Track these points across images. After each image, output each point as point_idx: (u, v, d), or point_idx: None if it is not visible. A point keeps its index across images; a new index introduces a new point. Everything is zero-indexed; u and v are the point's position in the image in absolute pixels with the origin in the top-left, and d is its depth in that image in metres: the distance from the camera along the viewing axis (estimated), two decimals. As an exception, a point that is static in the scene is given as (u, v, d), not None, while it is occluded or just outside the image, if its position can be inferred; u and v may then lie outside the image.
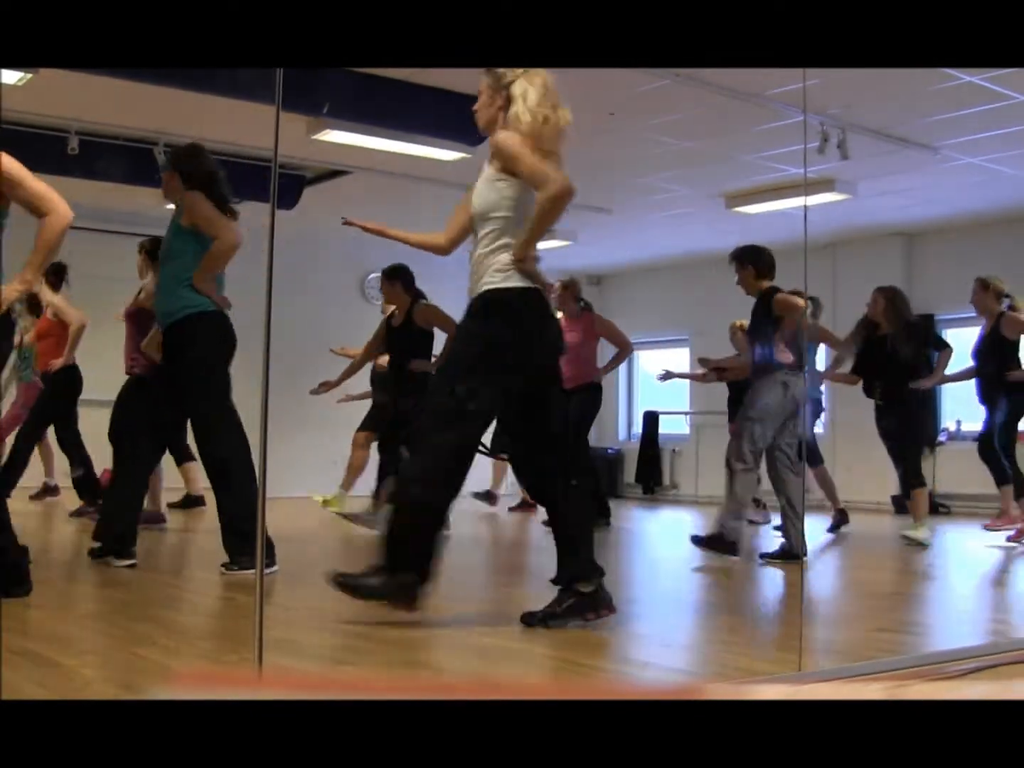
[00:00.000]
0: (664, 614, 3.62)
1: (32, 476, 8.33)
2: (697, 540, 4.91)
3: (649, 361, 12.62)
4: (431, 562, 3.15)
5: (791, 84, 5.68)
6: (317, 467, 7.64)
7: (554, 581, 3.22)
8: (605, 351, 7.56)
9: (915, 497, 6.19)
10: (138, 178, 7.72)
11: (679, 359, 12.11)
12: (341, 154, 7.54)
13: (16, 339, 8.02)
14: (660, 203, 8.74)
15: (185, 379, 4.23)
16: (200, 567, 4.44)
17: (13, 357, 8.20)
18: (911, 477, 6.16)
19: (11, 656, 2.24)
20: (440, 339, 6.88)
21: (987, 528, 6.93)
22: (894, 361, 6.14)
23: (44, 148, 6.89)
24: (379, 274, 11.42)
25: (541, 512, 7.43)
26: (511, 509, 8.61)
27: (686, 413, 11.42)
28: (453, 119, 6.54)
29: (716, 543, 4.84)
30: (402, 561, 3.08)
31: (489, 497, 8.38)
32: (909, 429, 6.27)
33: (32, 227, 3.30)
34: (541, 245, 10.17)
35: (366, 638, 2.78)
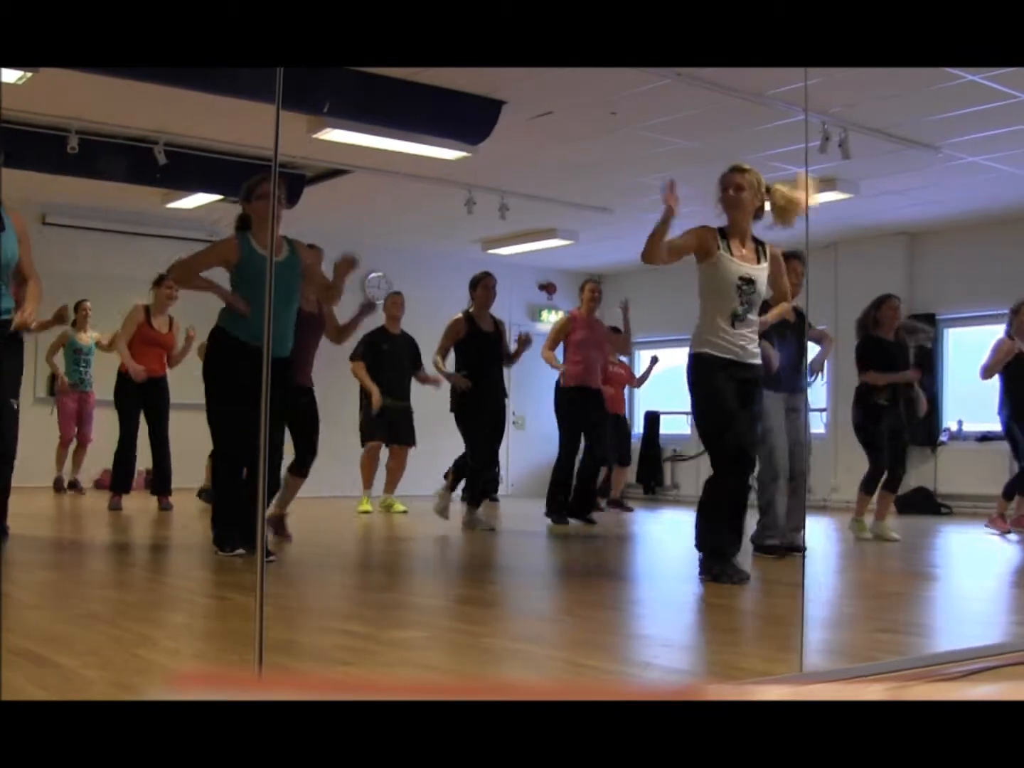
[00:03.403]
0: (665, 614, 3.62)
1: (41, 474, 8.36)
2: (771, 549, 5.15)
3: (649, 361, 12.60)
4: None
5: (792, 83, 5.68)
6: (317, 466, 7.64)
7: None
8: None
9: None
10: (138, 178, 7.70)
11: (679, 359, 12.09)
12: (341, 153, 7.53)
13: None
14: (660, 202, 8.73)
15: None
16: (201, 567, 4.44)
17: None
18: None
19: (11, 656, 2.24)
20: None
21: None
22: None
23: (44, 148, 6.88)
24: (379, 274, 11.43)
25: (533, 509, 7.44)
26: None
27: (687, 413, 11.41)
28: (454, 118, 6.54)
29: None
30: None
31: None
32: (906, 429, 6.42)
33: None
34: (540, 244, 10.21)
35: (366, 638, 2.78)
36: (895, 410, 6.25)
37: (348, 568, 4.88)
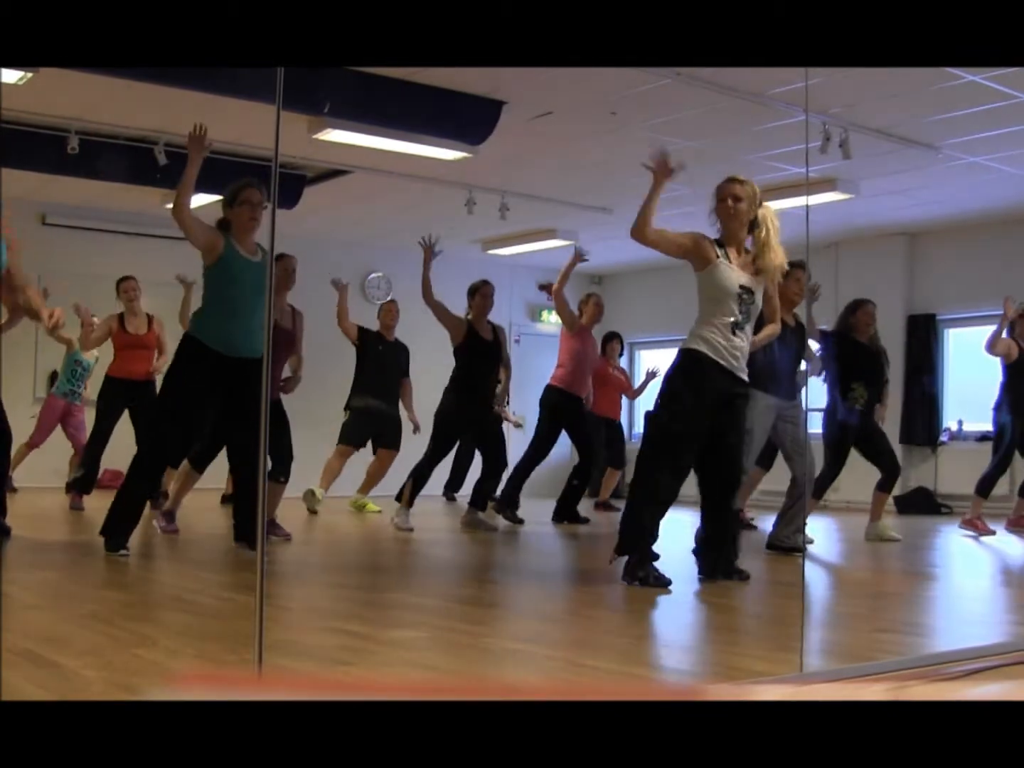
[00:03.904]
0: (666, 615, 3.62)
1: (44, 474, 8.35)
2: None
3: (650, 361, 12.61)
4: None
5: (793, 83, 5.68)
6: (315, 466, 7.64)
7: None
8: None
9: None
10: (138, 178, 7.70)
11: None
12: (342, 154, 7.53)
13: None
14: (661, 203, 8.70)
15: None
16: (200, 567, 4.44)
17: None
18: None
19: (11, 656, 2.24)
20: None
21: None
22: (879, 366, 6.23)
23: (44, 148, 6.88)
24: (379, 274, 11.44)
25: (539, 510, 7.44)
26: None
27: (687, 413, 11.40)
28: (454, 118, 6.54)
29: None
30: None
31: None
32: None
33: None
34: (540, 244, 10.20)
35: (366, 638, 2.78)
36: (869, 415, 6.14)
37: (348, 568, 4.87)
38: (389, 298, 8.26)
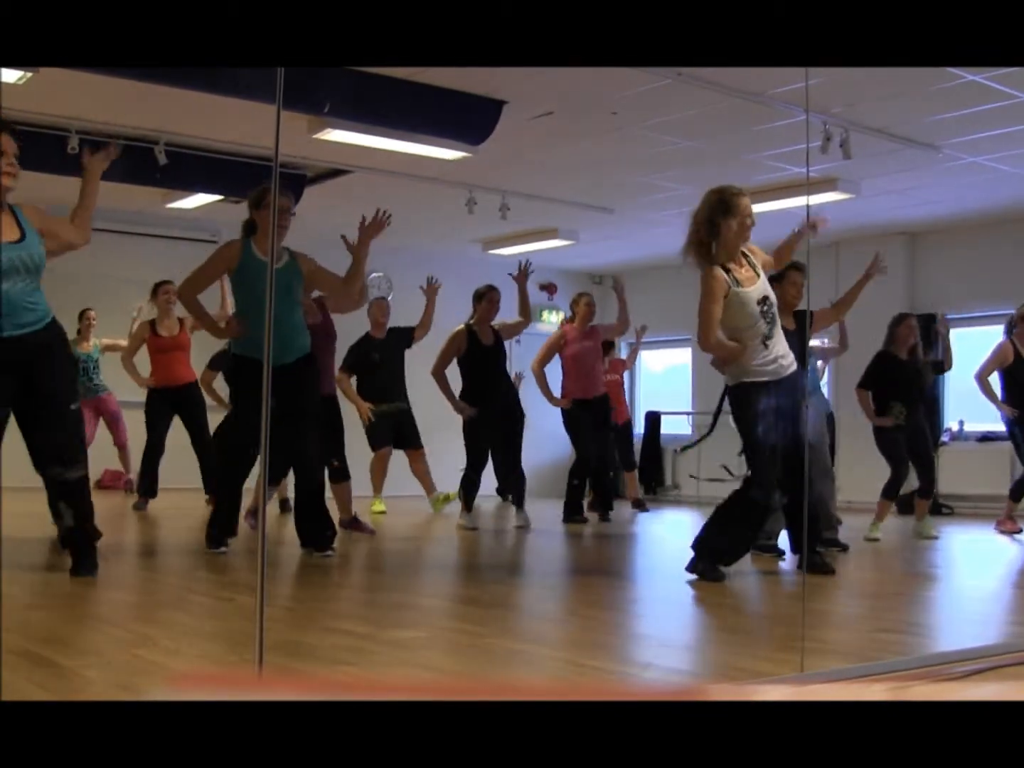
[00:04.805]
0: (666, 615, 3.62)
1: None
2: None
3: (650, 361, 12.61)
4: None
5: (793, 83, 5.68)
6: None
7: None
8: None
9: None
10: (138, 178, 7.70)
11: (680, 359, 12.10)
12: (342, 153, 7.53)
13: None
14: (661, 202, 8.74)
15: None
16: (200, 568, 4.44)
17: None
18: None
19: (11, 656, 2.24)
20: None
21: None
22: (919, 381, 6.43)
23: (44, 148, 6.88)
24: (379, 274, 11.42)
25: (540, 512, 7.43)
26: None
27: (688, 413, 11.41)
28: (454, 118, 6.54)
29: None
30: None
31: None
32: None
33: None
34: (541, 244, 10.23)
35: (366, 638, 2.78)
36: (915, 422, 6.35)
37: (348, 568, 4.88)
38: (379, 296, 8.26)
